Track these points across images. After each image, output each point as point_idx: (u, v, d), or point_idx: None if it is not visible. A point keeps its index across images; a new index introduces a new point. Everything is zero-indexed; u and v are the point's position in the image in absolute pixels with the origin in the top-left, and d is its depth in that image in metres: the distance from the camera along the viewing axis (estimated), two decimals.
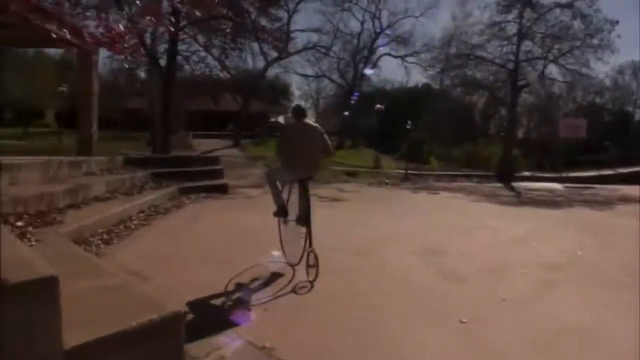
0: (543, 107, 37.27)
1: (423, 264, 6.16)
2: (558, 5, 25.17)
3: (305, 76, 43.95)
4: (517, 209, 12.95)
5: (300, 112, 5.87)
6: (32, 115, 42.74)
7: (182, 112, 36.43)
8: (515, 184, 21.33)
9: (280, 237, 5.93)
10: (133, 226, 7.91)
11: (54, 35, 6.23)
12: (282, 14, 26.27)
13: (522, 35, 25.80)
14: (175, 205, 10.59)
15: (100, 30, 5.35)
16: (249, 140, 35.58)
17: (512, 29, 26.44)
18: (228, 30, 22.78)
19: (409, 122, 24.51)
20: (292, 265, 5.58)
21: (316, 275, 5.12)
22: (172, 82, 17.71)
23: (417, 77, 70.94)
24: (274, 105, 52.59)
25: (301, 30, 35.36)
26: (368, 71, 37.22)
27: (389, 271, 5.86)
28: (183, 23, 19.26)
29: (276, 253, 5.98)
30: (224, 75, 26.41)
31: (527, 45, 26.54)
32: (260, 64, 33.71)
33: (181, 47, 23.29)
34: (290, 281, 5.25)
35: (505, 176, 23.60)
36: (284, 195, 5.90)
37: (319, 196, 13.99)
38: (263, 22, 21.40)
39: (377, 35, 38.91)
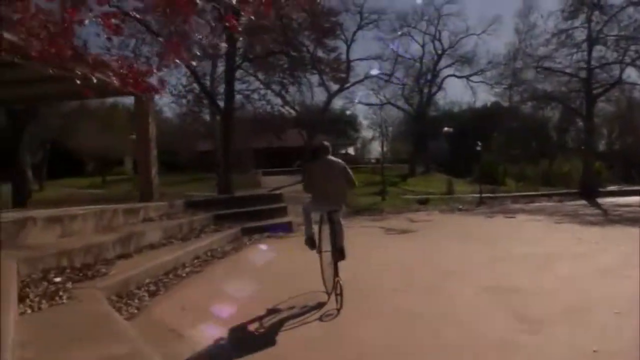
0: (624, 115, 34.63)
1: (493, 305, 5.34)
2: (631, 3, 23.41)
3: (370, 105, 43.20)
4: (604, 229, 11.68)
5: (323, 150, 6.27)
6: (111, 164, 44.60)
7: (250, 151, 36.85)
8: (600, 200, 19.70)
9: (322, 268, 6.13)
10: (184, 274, 7.56)
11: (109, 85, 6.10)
12: (338, 44, 26.13)
13: (592, 40, 24.20)
14: (235, 248, 10.24)
15: (123, 70, 5.03)
16: None
17: (581, 34, 24.92)
18: (286, 66, 22.82)
19: (479, 144, 23.41)
20: (328, 294, 5.79)
21: (341, 304, 5.37)
22: (230, 122, 17.72)
23: (485, 96, 68.63)
24: (342, 137, 52.46)
25: (360, 59, 35.08)
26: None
27: (454, 315, 5.12)
28: (239, 62, 19.38)
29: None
30: (286, 111, 26.42)
31: (599, 50, 24.85)
32: (322, 96, 33.64)
33: (241, 86, 23.56)
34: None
35: (589, 192, 21.91)
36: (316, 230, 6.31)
37: (386, 228, 13.36)
38: (320, 53, 21.24)
39: (439, 57, 37.97)
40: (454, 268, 7.45)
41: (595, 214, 15.08)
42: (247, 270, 7.94)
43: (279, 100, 25.31)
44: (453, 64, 38.37)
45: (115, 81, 5.11)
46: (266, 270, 7.93)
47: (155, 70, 5.47)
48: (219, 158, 19.09)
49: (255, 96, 23.45)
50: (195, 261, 8.48)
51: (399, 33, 36.79)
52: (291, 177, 34.41)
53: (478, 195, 21.78)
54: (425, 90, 39.37)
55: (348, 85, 34.02)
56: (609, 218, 13.84)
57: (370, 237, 11.80)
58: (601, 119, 35.10)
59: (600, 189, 24.53)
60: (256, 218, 13.11)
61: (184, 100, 23.16)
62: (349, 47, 32.56)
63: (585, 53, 24.63)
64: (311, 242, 6.29)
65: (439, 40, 37.87)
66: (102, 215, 8.92)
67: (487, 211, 17.27)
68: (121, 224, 9.40)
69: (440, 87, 40.12)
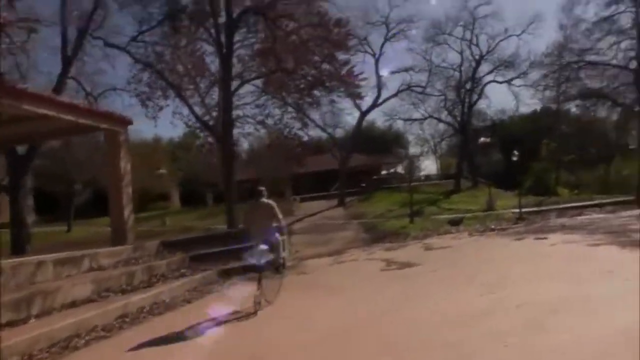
0: None
1: None
2: None
3: (409, 120, 40.26)
4: None
5: (257, 193, 8.09)
6: (154, 199, 44.41)
7: (287, 177, 35.58)
8: None
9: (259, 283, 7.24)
10: (82, 344, 6.08)
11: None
12: (353, 56, 24.40)
13: None
14: (189, 298, 8.71)
15: None
16: (356, 198, 33.58)
17: (627, 20, 22.18)
18: (302, 86, 21.35)
19: (515, 153, 21.04)
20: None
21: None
22: (230, 151, 16.41)
23: (532, 101, 63.19)
24: (386, 155, 50.25)
25: (393, 72, 33.34)
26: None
27: None
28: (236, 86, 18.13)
29: None
30: (305, 134, 24.90)
31: None
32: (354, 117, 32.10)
33: (254, 110, 22.33)
34: None
35: None
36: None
37: (389, 261, 11.28)
38: (331, 68, 19.62)
39: (478, 62, 35.22)
40: (407, 338, 5.24)
41: None
42: (172, 336, 6.14)
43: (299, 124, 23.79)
44: (495, 69, 35.68)
45: None
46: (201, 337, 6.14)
47: None
48: (228, 190, 17.72)
49: (270, 121, 22.00)
50: (116, 322, 7.00)
51: (433, 42, 34.78)
52: (329, 202, 32.85)
53: (519, 210, 19.40)
54: (467, 99, 36.83)
55: (380, 101, 32.39)
56: None
57: (357, 279, 9.42)
58: None
59: None
60: (241, 256, 11.67)
61: (197, 131, 22.11)
62: (377, 60, 31.06)
63: (634, 41, 21.80)
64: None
65: (477, 45, 35.38)
66: (17, 270, 7.65)
67: (521, 230, 14.97)
68: (50, 279, 8.11)
69: (481, 95, 37.16)
